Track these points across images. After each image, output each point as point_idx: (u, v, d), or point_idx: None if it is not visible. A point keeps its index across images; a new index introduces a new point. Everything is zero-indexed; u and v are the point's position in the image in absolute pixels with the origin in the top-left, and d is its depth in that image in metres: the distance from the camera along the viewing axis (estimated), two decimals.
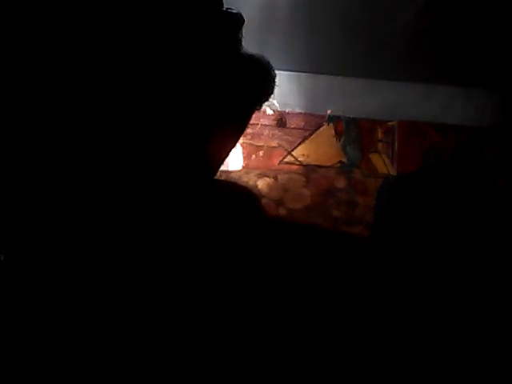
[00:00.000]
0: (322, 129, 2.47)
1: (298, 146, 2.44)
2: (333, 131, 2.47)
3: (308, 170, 2.43)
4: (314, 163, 2.45)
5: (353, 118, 2.47)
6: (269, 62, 0.38)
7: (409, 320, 0.36)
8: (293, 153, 2.43)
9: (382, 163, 2.48)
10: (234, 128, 0.39)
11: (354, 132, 2.48)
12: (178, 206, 0.37)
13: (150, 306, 0.36)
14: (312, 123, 2.46)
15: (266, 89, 0.38)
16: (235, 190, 0.42)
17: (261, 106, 0.39)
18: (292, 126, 2.43)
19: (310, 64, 2.34)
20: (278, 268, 0.38)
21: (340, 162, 2.46)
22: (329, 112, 2.45)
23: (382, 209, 1.37)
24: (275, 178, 2.41)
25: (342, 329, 0.35)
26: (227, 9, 0.38)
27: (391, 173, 2.45)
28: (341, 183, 2.44)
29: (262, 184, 2.37)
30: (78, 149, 0.32)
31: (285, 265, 0.38)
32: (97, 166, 0.32)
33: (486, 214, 1.23)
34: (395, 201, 1.29)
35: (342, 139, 2.47)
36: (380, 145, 2.49)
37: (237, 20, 0.38)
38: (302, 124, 2.44)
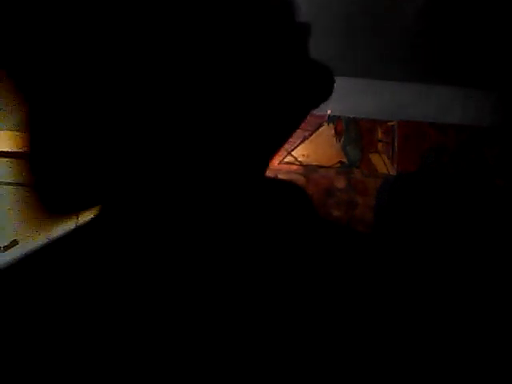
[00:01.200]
0: (321, 129, 2.47)
1: (298, 146, 2.44)
2: (333, 131, 2.47)
3: (308, 170, 2.43)
4: (314, 163, 2.45)
5: (353, 118, 2.47)
6: (328, 67, 0.43)
7: (409, 319, 0.36)
8: (293, 153, 2.43)
9: (382, 163, 2.48)
10: (291, 126, 0.44)
11: (354, 132, 2.48)
12: (226, 202, 0.39)
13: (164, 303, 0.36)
14: (312, 123, 2.46)
15: (327, 91, 0.43)
16: (285, 187, 0.45)
17: (317, 106, 0.44)
18: None
19: None
20: (279, 265, 0.38)
21: (340, 162, 2.46)
22: (329, 112, 2.45)
23: (381, 209, 1.37)
24: (275, 178, 2.41)
25: (342, 327, 0.36)
26: (299, 21, 0.42)
27: (391, 173, 2.45)
28: (341, 183, 2.44)
29: None
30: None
31: (285, 263, 0.38)
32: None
33: (486, 214, 1.23)
34: (395, 201, 1.29)
35: (342, 139, 2.47)
36: (380, 145, 2.49)
37: (309, 30, 0.43)
38: (301, 124, 2.44)
